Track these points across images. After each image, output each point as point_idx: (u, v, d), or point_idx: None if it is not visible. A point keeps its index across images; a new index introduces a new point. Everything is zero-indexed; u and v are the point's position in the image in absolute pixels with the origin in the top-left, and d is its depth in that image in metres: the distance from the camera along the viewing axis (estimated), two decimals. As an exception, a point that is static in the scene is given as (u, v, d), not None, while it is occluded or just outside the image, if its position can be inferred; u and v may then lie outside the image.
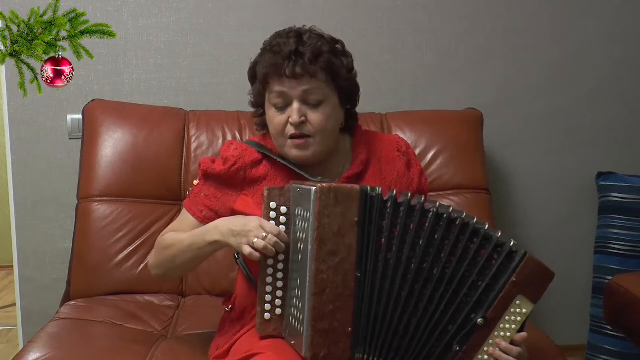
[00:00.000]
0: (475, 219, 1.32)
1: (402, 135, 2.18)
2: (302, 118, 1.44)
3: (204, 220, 1.51)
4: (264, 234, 1.33)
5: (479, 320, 1.30)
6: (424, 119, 2.34)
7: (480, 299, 1.31)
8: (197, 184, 1.57)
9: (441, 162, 2.27)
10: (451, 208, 1.32)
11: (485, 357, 1.32)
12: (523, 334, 1.32)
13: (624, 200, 2.50)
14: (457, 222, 1.31)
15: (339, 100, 1.49)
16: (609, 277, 2.20)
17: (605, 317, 2.12)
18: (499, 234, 1.31)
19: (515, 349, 1.31)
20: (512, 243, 1.30)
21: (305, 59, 1.42)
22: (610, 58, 2.61)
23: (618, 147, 2.65)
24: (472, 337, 1.31)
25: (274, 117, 1.47)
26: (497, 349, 1.31)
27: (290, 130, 1.45)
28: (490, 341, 1.31)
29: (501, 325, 1.31)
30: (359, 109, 1.55)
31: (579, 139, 2.63)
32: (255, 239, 1.33)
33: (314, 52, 1.43)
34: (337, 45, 1.50)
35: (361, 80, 1.55)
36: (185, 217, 1.55)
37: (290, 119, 1.44)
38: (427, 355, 1.33)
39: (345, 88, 1.50)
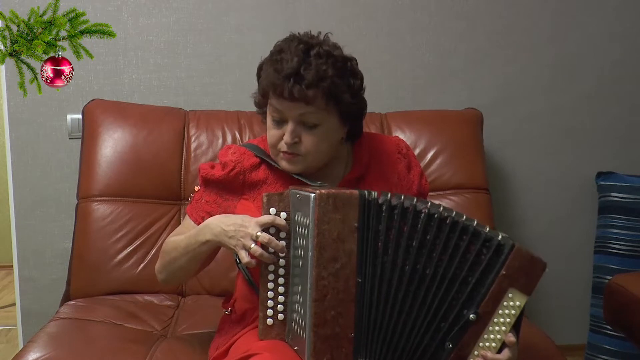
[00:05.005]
0: (464, 217, 1.31)
1: (402, 136, 2.19)
2: (296, 140, 1.42)
3: None
4: (258, 233, 1.33)
5: (471, 316, 1.29)
6: (424, 119, 2.34)
7: (472, 295, 1.30)
8: (198, 190, 1.56)
9: (441, 162, 2.27)
10: (442, 207, 1.32)
11: (482, 353, 1.30)
12: (513, 339, 1.30)
13: (624, 200, 2.50)
14: (447, 221, 1.30)
15: (339, 120, 1.46)
16: (609, 277, 2.20)
17: (605, 317, 2.12)
18: (487, 229, 1.30)
19: (504, 357, 1.29)
20: (500, 237, 1.29)
21: (303, 85, 1.36)
22: (610, 58, 2.61)
23: (618, 147, 2.65)
24: (465, 334, 1.30)
25: (271, 129, 1.46)
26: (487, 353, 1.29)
27: (283, 147, 1.44)
28: (486, 336, 1.30)
29: (495, 320, 1.30)
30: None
31: (579, 139, 2.63)
32: (253, 245, 1.34)
33: (316, 76, 1.37)
34: (348, 65, 1.44)
35: (361, 80, 1.55)
36: (188, 223, 1.55)
37: (284, 139, 1.43)
38: (422, 355, 1.33)
39: (347, 111, 1.46)
